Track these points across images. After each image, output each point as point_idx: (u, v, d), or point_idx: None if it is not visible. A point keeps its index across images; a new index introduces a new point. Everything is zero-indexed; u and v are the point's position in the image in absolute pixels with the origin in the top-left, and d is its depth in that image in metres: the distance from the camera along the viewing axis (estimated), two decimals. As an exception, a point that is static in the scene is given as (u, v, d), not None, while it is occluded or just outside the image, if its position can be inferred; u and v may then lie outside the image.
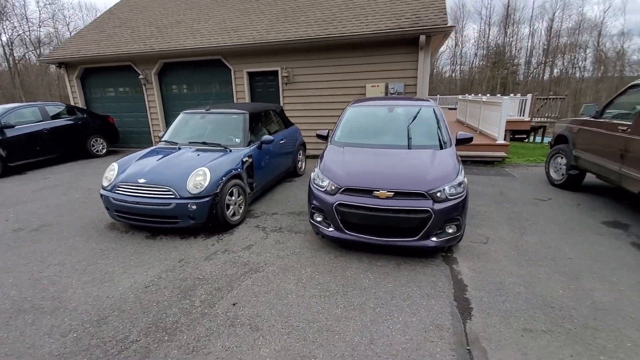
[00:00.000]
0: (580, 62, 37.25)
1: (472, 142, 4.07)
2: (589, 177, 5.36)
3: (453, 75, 42.81)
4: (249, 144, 4.78)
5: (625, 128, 4.03)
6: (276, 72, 8.67)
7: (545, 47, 37.50)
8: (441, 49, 41.05)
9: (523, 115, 12.56)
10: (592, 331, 2.36)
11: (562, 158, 5.55)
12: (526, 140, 13.57)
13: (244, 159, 4.51)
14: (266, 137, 4.90)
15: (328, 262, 3.34)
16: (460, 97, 15.90)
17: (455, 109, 16.74)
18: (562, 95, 14.80)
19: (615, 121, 4.29)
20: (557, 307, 2.61)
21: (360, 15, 8.09)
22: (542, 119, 13.67)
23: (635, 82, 4.34)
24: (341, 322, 2.47)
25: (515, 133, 12.81)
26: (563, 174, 5.49)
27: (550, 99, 13.66)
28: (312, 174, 3.67)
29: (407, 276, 3.07)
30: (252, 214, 4.71)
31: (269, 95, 9.01)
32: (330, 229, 3.39)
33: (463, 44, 42.16)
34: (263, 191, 5.41)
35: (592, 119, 4.81)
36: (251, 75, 9.05)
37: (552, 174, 5.80)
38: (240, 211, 4.38)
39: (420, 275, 3.08)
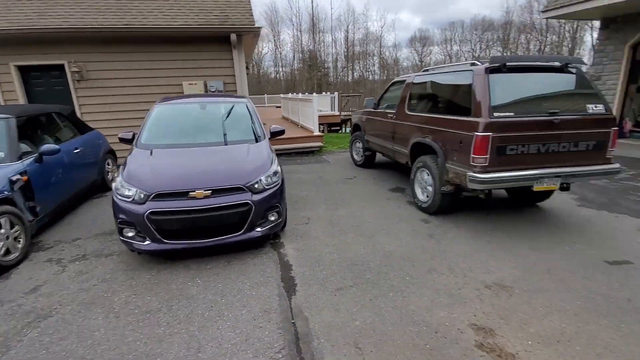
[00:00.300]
0: (371, 67, 46.73)
1: (295, 135, 4.42)
2: (379, 156, 6.74)
3: (278, 76, 45.87)
4: (20, 158, 3.68)
5: (392, 115, 5.24)
6: (62, 66, 7.00)
7: (345, 54, 44.96)
8: (263, 51, 43.03)
9: (334, 110, 14.67)
10: (384, 275, 2.97)
11: (359, 143, 6.78)
12: (340, 131, 15.95)
13: (14, 178, 3.44)
14: (47, 146, 3.88)
15: (149, 280, 2.96)
16: (282, 95, 17.11)
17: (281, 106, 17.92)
18: (359, 93, 18.12)
19: (386, 110, 5.52)
20: (360, 264, 3.16)
21: (164, 7, 7.44)
22: (348, 113, 16.37)
23: (395, 80, 5.71)
24: (164, 342, 2.23)
25: (331, 125, 14.89)
26: (362, 156, 6.73)
27: (351, 96, 16.51)
28: (114, 184, 3.15)
29: (238, 271, 3.07)
30: (40, 246, 3.68)
31: (57, 95, 7.20)
32: (147, 242, 3.01)
33: (282, 48, 45.56)
34: (58, 214, 4.31)
35: (373, 110, 6.05)
36: (24, 70, 7.00)
37: (355, 156, 7.03)
38: (19, 246, 3.35)
39: (250, 267, 3.13)
